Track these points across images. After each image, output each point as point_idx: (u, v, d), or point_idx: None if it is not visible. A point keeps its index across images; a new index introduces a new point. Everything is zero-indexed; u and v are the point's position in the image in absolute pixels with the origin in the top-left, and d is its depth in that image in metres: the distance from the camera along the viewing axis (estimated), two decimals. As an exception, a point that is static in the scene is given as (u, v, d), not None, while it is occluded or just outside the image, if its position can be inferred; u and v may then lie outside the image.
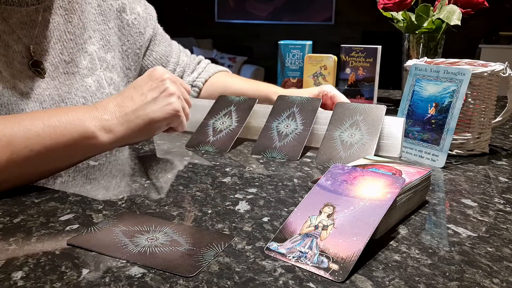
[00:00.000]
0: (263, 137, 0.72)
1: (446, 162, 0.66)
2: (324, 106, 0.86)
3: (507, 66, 0.71)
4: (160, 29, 0.95)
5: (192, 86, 0.99)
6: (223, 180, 0.59)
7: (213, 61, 1.10)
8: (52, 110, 0.57)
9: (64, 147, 0.55)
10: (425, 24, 1.02)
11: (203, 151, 0.72)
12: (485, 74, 0.69)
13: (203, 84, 0.99)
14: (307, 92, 0.89)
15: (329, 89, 0.87)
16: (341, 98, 0.86)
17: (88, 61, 0.75)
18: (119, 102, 0.61)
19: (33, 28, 0.68)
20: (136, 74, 0.89)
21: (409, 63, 0.76)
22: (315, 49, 1.18)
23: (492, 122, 0.74)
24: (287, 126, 0.73)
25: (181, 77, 0.99)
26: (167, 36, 0.98)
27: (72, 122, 0.55)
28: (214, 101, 0.81)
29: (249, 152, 0.72)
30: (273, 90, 0.91)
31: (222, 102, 0.80)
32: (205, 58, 1.09)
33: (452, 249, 0.42)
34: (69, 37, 0.72)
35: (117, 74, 0.82)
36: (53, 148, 0.54)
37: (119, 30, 0.83)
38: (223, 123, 0.76)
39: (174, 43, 1.00)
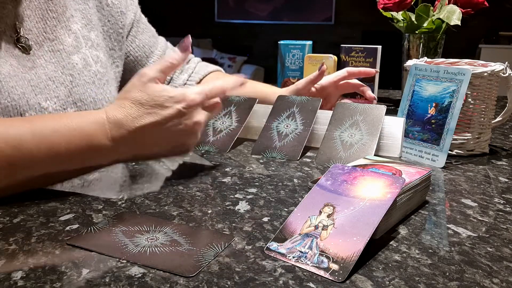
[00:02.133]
0: (263, 137, 0.72)
1: (446, 162, 0.66)
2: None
3: (507, 66, 0.71)
4: (144, 19, 0.94)
5: None
6: (223, 180, 0.59)
7: (213, 61, 1.09)
8: (67, 142, 0.53)
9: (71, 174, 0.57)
10: (425, 24, 1.02)
11: (203, 151, 0.72)
12: (485, 74, 0.69)
13: None
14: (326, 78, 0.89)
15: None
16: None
17: (72, 39, 0.74)
18: (140, 145, 0.55)
19: (15, 7, 0.67)
20: (122, 55, 0.88)
21: (409, 63, 0.76)
22: (315, 49, 1.18)
23: (492, 122, 0.74)
24: (287, 126, 0.72)
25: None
26: (153, 29, 0.96)
27: (91, 157, 0.54)
28: None
29: (249, 152, 0.72)
30: (271, 91, 0.91)
31: (221, 102, 0.80)
32: (205, 58, 1.07)
33: (452, 249, 0.42)
34: (52, 15, 0.72)
35: (103, 53, 0.81)
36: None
37: (98, 11, 0.82)
38: (223, 123, 0.76)
39: (162, 38, 0.99)
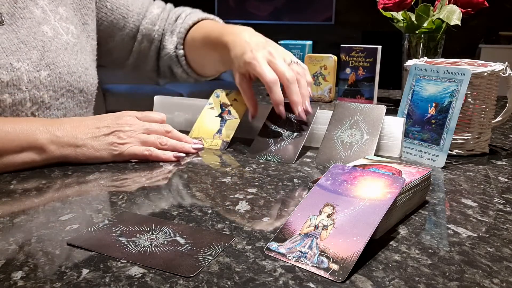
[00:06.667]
0: (259, 140, 0.72)
1: (446, 162, 0.66)
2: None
3: (507, 66, 0.71)
4: None
5: (177, 56, 0.92)
6: (223, 180, 0.59)
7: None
8: (10, 118, 0.63)
9: (9, 152, 0.59)
10: (425, 24, 1.02)
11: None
12: (485, 74, 0.69)
13: (184, 52, 0.92)
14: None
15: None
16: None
17: (40, 12, 0.76)
18: (76, 125, 0.63)
19: None
20: (95, 28, 0.87)
21: (409, 63, 0.76)
22: (315, 49, 1.18)
23: (492, 122, 0.74)
24: (283, 131, 0.72)
25: (151, 35, 0.91)
26: None
27: (25, 132, 0.60)
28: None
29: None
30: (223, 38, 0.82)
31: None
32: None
33: (452, 249, 0.42)
34: None
35: (74, 26, 0.81)
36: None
37: None
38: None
39: None
